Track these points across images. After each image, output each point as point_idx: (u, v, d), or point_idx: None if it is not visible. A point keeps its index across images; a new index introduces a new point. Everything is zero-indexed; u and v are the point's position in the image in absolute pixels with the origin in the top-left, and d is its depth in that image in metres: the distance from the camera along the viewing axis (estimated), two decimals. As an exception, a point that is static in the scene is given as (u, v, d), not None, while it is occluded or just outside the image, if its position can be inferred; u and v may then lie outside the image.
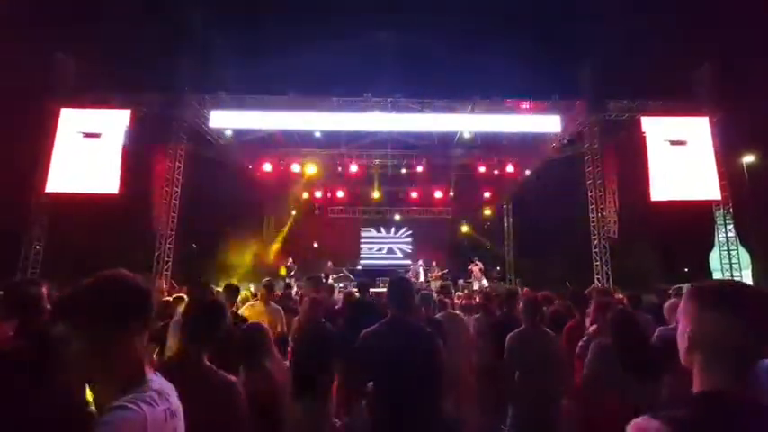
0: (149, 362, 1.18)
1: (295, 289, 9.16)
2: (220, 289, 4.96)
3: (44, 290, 2.09)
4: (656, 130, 11.35)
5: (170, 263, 11.37)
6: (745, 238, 12.05)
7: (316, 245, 18.17)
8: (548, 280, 12.63)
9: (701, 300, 0.94)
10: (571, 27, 19.22)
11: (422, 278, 14.22)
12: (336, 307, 5.03)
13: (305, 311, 3.71)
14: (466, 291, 12.92)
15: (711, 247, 12.34)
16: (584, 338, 3.14)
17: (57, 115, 11.12)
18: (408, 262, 17.59)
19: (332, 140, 13.69)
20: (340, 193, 16.79)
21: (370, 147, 14.44)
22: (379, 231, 19.80)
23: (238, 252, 15.92)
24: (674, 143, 11.30)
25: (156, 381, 1.09)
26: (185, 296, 4.39)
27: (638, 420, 0.89)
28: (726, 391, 0.88)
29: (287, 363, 3.43)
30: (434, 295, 4.71)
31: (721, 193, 11.33)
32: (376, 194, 16.06)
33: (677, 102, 11.97)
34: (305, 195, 17.42)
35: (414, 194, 16.99)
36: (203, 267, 14.93)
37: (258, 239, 17.56)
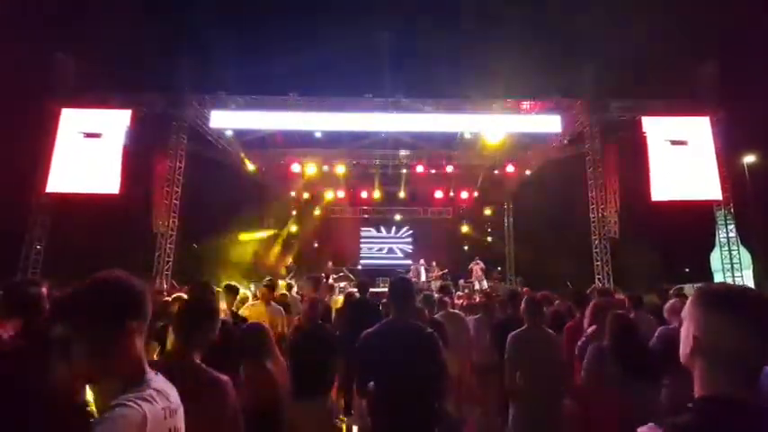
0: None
1: (295, 289, 9.15)
2: (220, 289, 4.95)
3: (44, 290, 2.09)
4: (657, 129, 11.32)
5: (170, 263, 11.37)
6: (746, 239, 12.02)
7: (316, 245, 18.16)
8: (548, 280, 12.60)
9: (708, 303, 0.93)
10: (572, 27, 19.20)
11: (423, 278, 14.21)
12: (336, 308, 5.03)
13: (305, 312, 3.71)
14: (466, 291, 12.94)
15: (712, 247, 12.29)
16: (583, 339, 3.14)
17: (57, 115, 11.11)
18: (409, 262, 17.55)
19: (332, 140, 13.68)
20: (340, 193, 16.76)
21: (371, 147, 14.44)
22: (379, 231, 19.77)
23: (238, 252, 15.92)
24: (674, 143, 11.26)
25: (156, 380, 1.10)
26: (185, 296, 4.39)
27: (643, 429, 0.88)
28: (729, 396, 0.87)
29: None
30: (435, 295, 4.72)
31: (722, 193, 11.28)
32: (376, 194, 16.09)
33: (678, 101, 11.92)
34: (305, 195, 17.42)
35: (414, 194, 16.98)
36: (203, 267, 14.93)
37: (258, 239, 17.56)
